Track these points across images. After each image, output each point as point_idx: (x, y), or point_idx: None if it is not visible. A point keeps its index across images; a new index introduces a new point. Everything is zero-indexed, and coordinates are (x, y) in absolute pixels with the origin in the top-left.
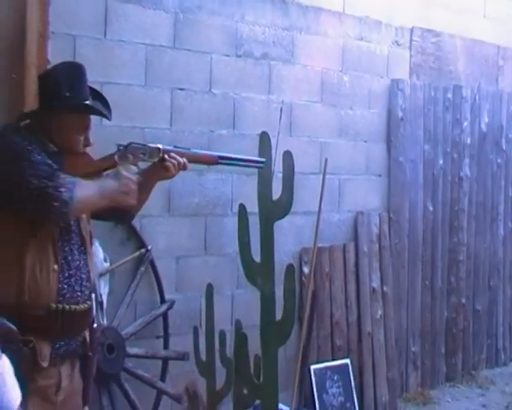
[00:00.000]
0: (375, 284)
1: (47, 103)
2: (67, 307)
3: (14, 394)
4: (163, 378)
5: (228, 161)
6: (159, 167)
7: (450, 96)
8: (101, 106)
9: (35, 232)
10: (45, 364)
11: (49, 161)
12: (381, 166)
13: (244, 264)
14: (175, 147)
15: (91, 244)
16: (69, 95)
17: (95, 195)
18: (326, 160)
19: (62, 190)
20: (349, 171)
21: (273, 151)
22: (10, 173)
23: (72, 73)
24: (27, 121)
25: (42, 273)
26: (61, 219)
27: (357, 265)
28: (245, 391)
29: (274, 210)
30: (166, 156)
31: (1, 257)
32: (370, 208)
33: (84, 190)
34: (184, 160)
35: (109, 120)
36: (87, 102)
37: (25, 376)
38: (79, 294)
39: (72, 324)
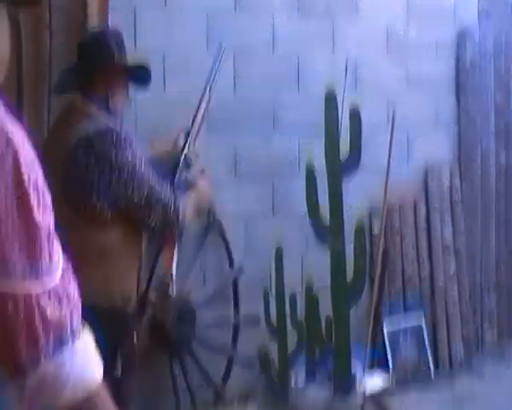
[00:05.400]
0: (448, 239)
1: (105, 67)
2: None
3: (96, 367)
4: (234, 345)
5: None
6: None
7: None
8: None
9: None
10: None
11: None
12: (450, 117)
13: (313, 224)
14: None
15: None
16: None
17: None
18: (394, 115)
19: (180, 206)
20: (418, 124)
21: (339, 109)
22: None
23: (118, 37)
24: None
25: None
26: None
27: (428, 220)
28: (317, 353)
29: (342, 169)
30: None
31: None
32: (441, 162)
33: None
34: None
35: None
36: None
37: None
38: None
39: None
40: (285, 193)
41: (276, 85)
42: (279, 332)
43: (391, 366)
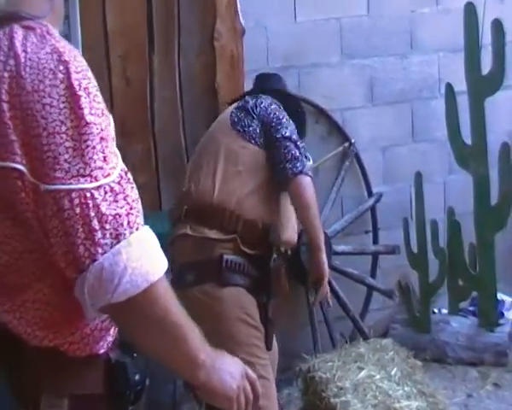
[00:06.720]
0: None
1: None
2: None
3: (156, 261)
4: (373, 274)
5: None
6: None
7: None
8: None
9: None
10: None
11: None
12: None
13: (455, 147)
14: None
15: None
16: None
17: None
18: None
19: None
20: None
21: (480, 22)
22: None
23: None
24: None
25: None
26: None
27: None
28: (460, 282)
29: (484, 86)
30: None
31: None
32: None
33: None
34: None
35: None
36: None
37: None
38: None
39: None
40: (424, 116)
41: (413, 1)
42: (420, 261)
43: None
